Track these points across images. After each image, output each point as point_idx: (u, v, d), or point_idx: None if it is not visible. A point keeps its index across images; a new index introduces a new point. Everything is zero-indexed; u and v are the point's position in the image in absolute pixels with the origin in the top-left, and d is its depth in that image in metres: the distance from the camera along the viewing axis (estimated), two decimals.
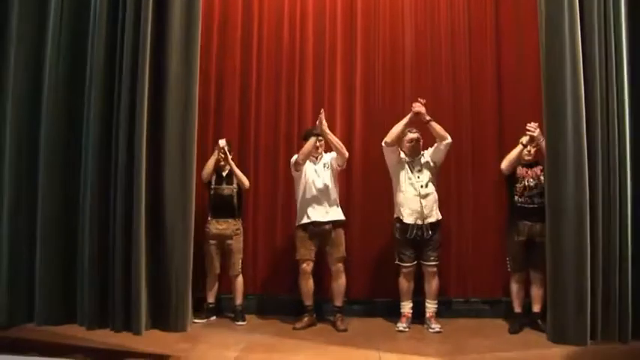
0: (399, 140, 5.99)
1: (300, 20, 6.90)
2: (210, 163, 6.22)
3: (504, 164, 5.90)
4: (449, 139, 5.95)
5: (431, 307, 5.95)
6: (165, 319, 5.47)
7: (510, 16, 6.76)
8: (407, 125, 5.95)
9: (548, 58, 5.40)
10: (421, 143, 6.08)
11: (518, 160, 5.86)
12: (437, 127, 5.93)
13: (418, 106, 5.88)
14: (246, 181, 6.29)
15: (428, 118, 5.90)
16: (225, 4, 6.93)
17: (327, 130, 6.02)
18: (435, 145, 6.00)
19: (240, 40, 6.89)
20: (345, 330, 5.84)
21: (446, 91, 6.71)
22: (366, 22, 6.86)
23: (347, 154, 6.08)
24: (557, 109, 5.30)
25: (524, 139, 5.79)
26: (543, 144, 5.62)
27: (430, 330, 5.82)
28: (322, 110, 6.09)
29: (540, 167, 5.81)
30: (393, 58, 6.82)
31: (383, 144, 5.98)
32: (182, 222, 5.41)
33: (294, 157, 6.07)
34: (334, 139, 6.04)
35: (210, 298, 6.25)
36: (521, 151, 5.82)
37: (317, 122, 6.02)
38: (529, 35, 6.48)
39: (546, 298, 5.59)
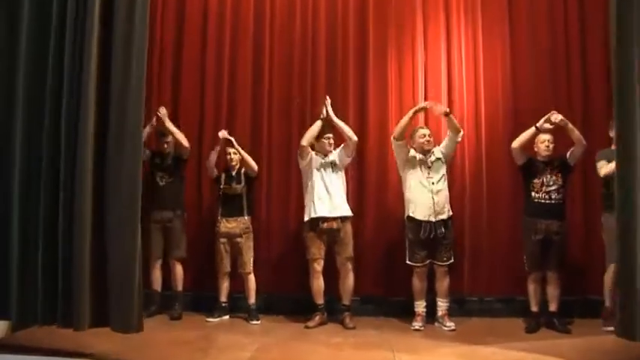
0: (406, 134, 5.98)
1: (312, 9, 6.86)
2: (212, 158, 6.28)
3: (514, 143, 5.85)
4: (462, 132, 5.98)
5: (443, 305, 5.92)
6: (109, 317, 5.32)
7: (524, 10, 6.71)
8: (412, 118, 5.94)
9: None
10: (433, 140, 6.03)
11: (526, 143, 5.81)
12: (454, 120, 5.93)
13: (432, 102, 5.94)
14: (253, 164, 6.24)
15: (447, 109, 5.92)
16: None
17: (334, 115, 6.02)
18: (448, 137, 5.97)
19: (253, 33, 6.86)
20: (354, 328, 5.81)
21: (459, 84, 6.65)
22: (378, 10, 6.82)
23: (356, 139, 6.06)
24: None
25: (542, 124, 5.74)
26: (574, 131, 5.65)
27: (444, 328, 5.79)
28: (327, 97, 6.10)
29: (557, 164, 5.79)
30: (405, 46, 6.78)
31: (392, 139, 5.96)
32: (128, 217, 5.23)
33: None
34: (342, 124, 6.04)
35: (223, 297, 6.22)
36: (534, 134, 5.77)
37: (323, 108, 6.03)
38: (542, 28, 6.53)
39: (560, 297, 5.65)
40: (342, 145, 6.09)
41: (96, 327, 4.75)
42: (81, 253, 4.66)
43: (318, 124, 6.04)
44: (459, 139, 5.96)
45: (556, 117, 5.69)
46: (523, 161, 5.87)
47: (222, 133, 6.27)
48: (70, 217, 4.73)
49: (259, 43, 6.86)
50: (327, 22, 6.84)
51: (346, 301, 6.01)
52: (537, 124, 5.75)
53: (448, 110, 5.93)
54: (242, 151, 6.24)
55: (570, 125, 5.73)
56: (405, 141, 5.98)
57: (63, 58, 4.84)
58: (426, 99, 6.55)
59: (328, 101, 6.07)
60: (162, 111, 6.25)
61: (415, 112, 5.98)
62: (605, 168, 5.54)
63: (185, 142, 6.26)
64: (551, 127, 5.74)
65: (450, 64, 6.72)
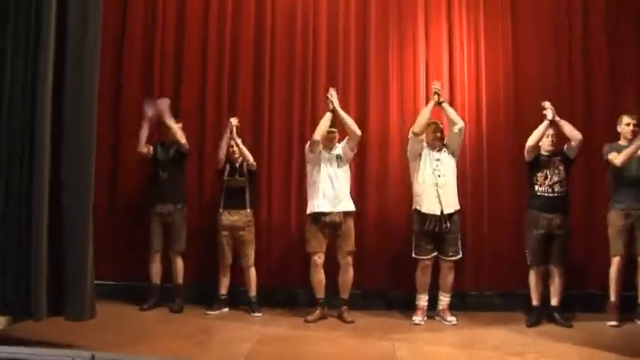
0: (426, 129, 5.95)
1: (314, 4, 6.84)
2: (223, 146, 6.22)
3: (530, 141, 5.80)
4: (461, 124, 5.93)
5: (445, 299, 5.92)
6: (65, 306, 5.28)
7: (527, 5, 6.70)
8: (431, 111, 5.92)
9: None
10: (443, 134, 6.02)
11: (543, 137, 5.79)
12: (450, 110, 5.94)
13: (435, 87, 5.94)
14: (250, 158, 6.22)
15: (442, 99, 5.92)
16: None
17: (339, 108, 6.00)
18: (449, 129, 5.97)
19: (254, 28, 6.85)
20: (352, 322, 5.81)
21: (460, 79, 6.64)
22: (380, 5, 6.80)
23: (360, 133, 6.03)
24: None
25: (551, 115, 5.73)
26: (565, 127, 5.67)
27: (446, 322, 5.79)
28: (332, 88, 6.08)
29: (559, 157, 5.78)
30: (407, 42, 6.76)
31: (411, 134, 5.94)
32: (81, 208, 5.17)
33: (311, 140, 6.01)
34: (347, 117, 6.01)
35: (223, 290, 6.22)
36: (547, 127, 5.75)
37: (327, 99, 6.00)
38: (544, 23, 6.58)
39: (563, 291, 5.67)
40: (346, 138, 6.06)
41: (54, 316, 4.78)
42: (38, 245, 4.68)
43: (328, 116, 5.98)
44: (456, 131, 5.91)
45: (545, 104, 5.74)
46: (532, 157, 5.86)
47: (234, 121, 6.25)
48: (28, 208, 4.74)
49: (260, 38, 6.85)
50: (329, 17, 6.82)
51: (345, 296, 5.99)
52: (549, 117, 5.72)
53: (442, 99, 5.91)
54: (241, 145, 6.22)
55: (562, 121, 5.74)
56: (424, 136, 5.96)
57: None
58: (427, 94, 6.54)
59: (333, 93, 6.03)
60: (164, 102, 6.23)
61: (434, 104, 5.93)
62: (620, 157, 5.63)
63: (183, 139, 6.23)
64: (553, 115, 5.72)
65: (452, 59, 6.71)
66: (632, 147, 5.64)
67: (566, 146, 5.80)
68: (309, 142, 6.01)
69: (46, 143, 4.78)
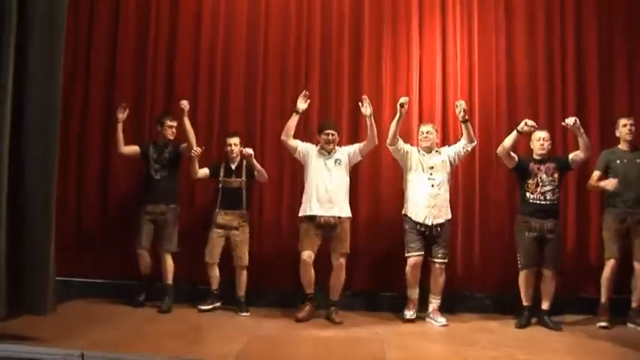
0: (397, 137, 5.94)
1: (308, 4, 6.85)
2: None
3: (499, 149, 5.85)
4: (475, 143, 5.99)
5: (435, 301, 5.93)
6: (24, 301, 5.26)
7: (521, 8, 6.72)
8: (399, 121, 5.87)
9: None
10: (434, 137, 6.04)
11: (512, 148, 5.78)
12: (471, 129, 5.93)
13: (462, 105, 5.88)
14: (266, 176, 6.26)
15: (466, 117, 5.88)
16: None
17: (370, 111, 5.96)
18: (460, 145, 5.98)
19: (246, 28, 6.85)
20: (341, 323, 5.79)
21: (454, 82, 6.65)
22: (374, 5, 6.82)
23: (377, 143, 6.04)
24: None
25: (520, 126, 5.67)
26: (582, 139, 5.66)
27: (436, 323, 5.79)
28: (365, 97, 6.00)
29: (554, 164, 5.78)
30: (400, 45, 6.77)
31: (388, 145, 5.99)
32: (41, 209, 5.14)
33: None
34: (373, 124, 5.97)
35: (214, 285, 6.20)
36: (516, 137, 5.71)
37: (362, 106, 5.96)
38: (538, 26, 6.63)
39: (554, 295, 5.72)
40: (362, 143, 6.08)
41: (15, 311, 4.81)
42: None
43: (293, 117, 6.03)
44: (469, 149, 5.96)
45: (569, 121, 5.64)
46: (513, 164, 5.87)
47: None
48: None
49: (253, 39, 6.85)
50: (322, 18, 6.82)
51: (334, 297, 5.99)
52: (518, 127, 5.69)
53: (466, 117, 5.87)
54: (256, 164, 6.19)
55: (582, 133, 5.70)
56: (398, 145, 5.95)
57: None
58: (420, 96, 6.59)
59: (366, 100, 5.97)
60: (185, 105, 6.13)
61: (400, 116, 5.86)
62: (593, 181, 5.85)
63: (194, 144, 6.15)
64: (529, 129, 5.69)
65: (445, 62, 6.72)
66: (611, 183, 5.67)
67: (573, 155, 5.80)
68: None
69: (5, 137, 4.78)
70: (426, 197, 5.82)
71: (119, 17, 6.91)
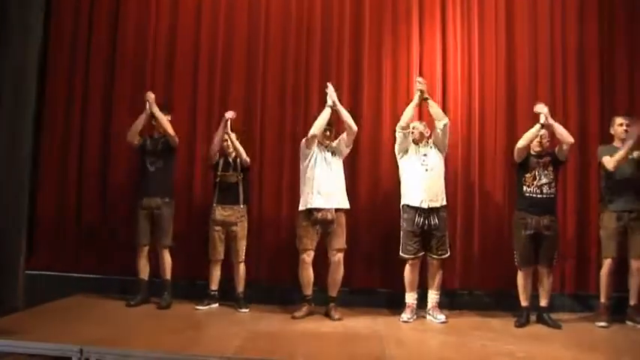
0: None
1: (308, 5, 6.85)
2: (217, 141, 6.19)
3: (520, 143, 5.77)
4: (445, 120, 5.96)
5: (434, 297, 5.93)
6: None
7: (521, 5, 6.72)
8: (417, 106, 5.97)
9: None
10: (426, 133, 6.04)
11: (533, 141, 5.76)
12: (434, 106, 5.96)
13: (419, 84, 5.93)
14: (244, 154, 6.22)
15: (426, 96, 5.93)
16: None
17: (338, 102, 5.99)
18: (436, 127, 5.97)
19: (247, 21, 6.87)
20: (340, 319, 5.79)
21: (454, 78, 6.64)
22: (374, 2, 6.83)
23: (356, 129, 6.03)
24: None
25: (544, 119, 5.67)
26: (558, 129, 5.63)
27: (435, 320, 5.80)
28: (329, 84, 6.05)
29: (549, 158, 5.76)
30: (400, 41, 6.77)
31: (398, 129, 5.96)
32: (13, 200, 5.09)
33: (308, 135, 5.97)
34: (345, 112, 6.00)
35: (213, 285, 6.20)
36: (538, 131, 5.70)
37: (327, 94, 5.97)
38: (540, 24, 6.62)
39: (551, 292, 5.75)
40: (343, 134, 6.07)
41: None
42: None
43: (327, 111, 5.96)
44: (441, 127, 5.92)
45: (538, 108, 5.70)
46: (522, 159, 5.83)
47: (229, 114, 6.20)
48: None
49: (253, 33, 6.85)
50: (323, 13, 6.82)
51: (333, 293, 5.98)
52: (542, 121, 5.68)
53: (426, 96, 5.92)
54: (235, 140, 6.20)
55: (555, 124, 5.69)
56: (411, 129, 5.98)
57: None
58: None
59: (331, 88, 6.01)
60: (150, 96, 6.18)
61: (419, 99, 5.95)
62: (612, 161, 5.67)
63: (170, 130, 6.18)
64: (546, 118, 5.68)
65: (445, 58, 6.71)
66: (623, 150, 5.65)
67: (557, 149, 5.78)
68: (306, 138, 5.97)
69: None
70: (421, 181, 5.83)
71: (119, 11, 6.94)
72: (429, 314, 5.89)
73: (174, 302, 6.12)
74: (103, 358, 4.39)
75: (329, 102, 5.96)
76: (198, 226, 6.39)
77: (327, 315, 5.88)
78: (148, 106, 6.18)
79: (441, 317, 5.80)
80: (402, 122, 5.94)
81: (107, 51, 6.91)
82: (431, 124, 6.07)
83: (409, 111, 5.95)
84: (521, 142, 5.78)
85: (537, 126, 5.71)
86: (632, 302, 5.74)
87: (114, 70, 6.87)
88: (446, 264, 6.01)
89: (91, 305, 6.02)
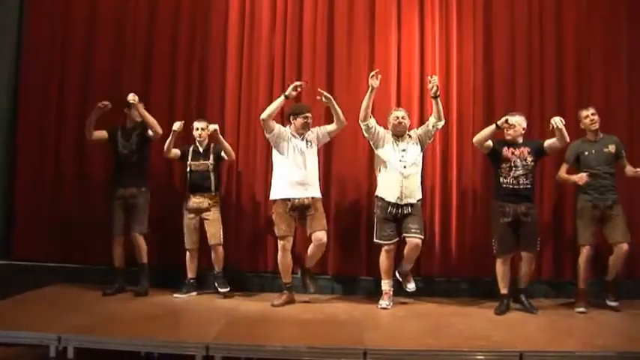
0: (369, 114, 5.92)
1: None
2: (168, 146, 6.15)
3: (475, 139, 5.87)
4: (443, 121, 5.97)
5: (406, 266, 5.96)
6: None
7: (499, 7, 6.79)
8: (371, 96, 5.86)
9: None
10: (407, 122, 6.02)
11: (488, 139, 5.79)
12: (440, 106, 5.91)
13: (434, 80, 5.84)
14: (232, 154, 6.27)
15: (438, 93, 5.86)
16: None
17: (330, 96, 5.95)
18: (430, 123, 5.96)
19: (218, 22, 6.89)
20: (314, 292, 5.93)
21: (431, 70, 6.62)
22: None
23: (346, 122, 6.01)
24: None
25: (501, 122, 5.68)
26: (563, 135, 5.62)
27: (407, 289, 5.92)
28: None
29: (528, 148, 5.77)
30: (378, 34, 6.78)
31: (360, 123, 5.94)
32: None
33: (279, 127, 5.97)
34: (336, 106, 5.95)
35: (191, 274, 6.19)
36: (493, 131, 5.73)
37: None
38: (520, 16, 6.68)
39: (532, 276, 5.88)
40: (331, 125, 6.05)
41: None
42: None
43: (280, 99, 5.91)
44: (438, 126, 5.95)
45: (554, 122, 5.61)
46: (488, 150, 5.86)
47: (178, 125, 6.13)
48: None
49: (223, 20, 6.88)
50: (296, 7, 6.85)
51: (309, 265, 6.02)
52: (498, 122, 5.70)
53: (438, 93, 5.83)
54: (223, 141, 6.20)
55: (564, 130, 5.62)
56: (370, 122, 5.92)
57: None
58: (399, 82, 6.65)
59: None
60: (133, 98, 6.10)
61: (372, 90, 5.86)
62: (562, 173, 5.96)
63: (158, 129, 6.13)
64: (508, 126, 5.70)
65: (423, 50, 6.75)
66: (582, 178, 5.73)
67: (548, 143, 5.79)
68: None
69: None
70: (398, 178, 5.81)
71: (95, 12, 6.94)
72: (400, 278, 5.99)
73: (152, 291, 6.09)
74: (81, 345, 4.36)
75: (323, 99, 5.90)
76: (173, 215, 6.37)
77: (303, 285, 5.96)
78: (132, 109, 6.15)
79: (412, 286, 5.90)
80: (360, 116, 5.90)
81: (83, 45, 6.90)
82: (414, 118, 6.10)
83: (364, 103, 5.88)
84: (475, 139, 5.87)
85: (492, 126, 5.73)
86: (608, 278, 5.88)
87: (90, 66, 6.87)
88: (423, 250, 6.01)
89: (68, 294, 5.97)
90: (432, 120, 5.94)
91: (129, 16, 6.90)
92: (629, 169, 5.86)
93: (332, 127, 6.04)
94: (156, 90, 6.79)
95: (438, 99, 5.86)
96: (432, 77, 5.87)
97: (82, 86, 6.84)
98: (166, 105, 6.77)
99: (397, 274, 5.98)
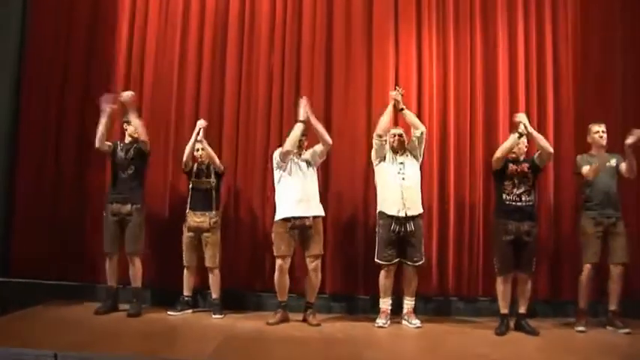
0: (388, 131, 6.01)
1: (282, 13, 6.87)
2: (189, 149, 6.17)
3: (498, 154, 5.75)
4: (422, 128, 6.02)
5: (409, 303, 5.93)
6: None
7: (499, 12, 6.80)
8: (391, 112, 6.02)
9: None
10: (405, 139, 6.04)
11: (511, 150, 5.74)
12: (410, 116, 6.05)
13: (395, 94, 6.03)
14: (217, 161, 6.23)
15: (401, 106, 6.00)
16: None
17: (313, 117, 5.96)
18: (413, 136, 6.01)
19: (214, 29, 6.89)
20: (319, 325, 5.77)
21: (429, 84, 6.67)
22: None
23: (331, 142, 6.01)
24: None
25: (521, 128, 5.67)
26: (538, 138, 5.65)
27: (410, 325, 5.79)
28: (304, 97, 6.06)
29: (527, 164, 5.75)
30: (376, 49, 6.79)
31: (375, 136, 5.98)
32: None
33: (280, 149, 5.93)
34: (319, 125, 5.98)
35: (187, 291, 6.16)
36: (516, 141, 5.68)
37: (300, 108, 5.93)
38: (517, 30, 6.73)
39: (531, 299, 5.76)
40: (317, 146, 6.04)
41: None
42: None
43: (300, 126, 5.90)
44: (418, 135, 5.97)
45: (519, 118, 5.72)
46: (500, 166, 5.80)
47: (203, 122, 6.21)
48: None
49: (221, 37, 6.87)
50: (294, 23, 6.85)
51: (311, 299, 5.97)
52: (519, 130, 5.67)
53: (402, 106, 6.00)
54: (207, 147, 6.19)
55: (535, 133, 5.70)
56: (387, 138, 6.00)
57: None
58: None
59: (306, 102, 5.98)
60: (127, 96, 6.09)
61: (393, 107, 6.03)
62: (591, 171, 5.70)
63: (143, 136, 6.10)
64: (527, 133, 5.69)
65: (421, 64, 6.75)
66: (594, 166, 5.70)
67: (536, 156, 5.78)
68: (279, 151, 5.93)
69: None
70: (399, 190, 5.84)
71: (97, 12, 6.98)
72: (405, 319, 5.88)
73: (147, 309, 6.06)
74: None
75: (301, 116, 5.92)
76: (171, 232, 6.33)
77: (305, 320, 5.86)
78: (109, 108, 6.03)
79: (416, 322, 5.80)
80: (379, 130, 5.98)
81: (85, 48, 6.90)
82: (408, 131, 6.10)
83: (385, 118, 6.00)
84: (498, 153, 5.76)
85: (515, 135, 5.70)
86: (612, 307, 5.78)
87: (89, 69, 6.87)
88: (422, 271, 6.01)
89: (63, 312, 5.93)
90: (412, 131, 6.03)
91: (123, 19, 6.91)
92: (627, 146, 5.67)
93: (319, 147, 6.04)
94: (153, 101, 6.80)
95: (404, 111, 6.02)
96: (394, 91, 6.07)
97: (85, 86, 6.83)
98: (162, 117, 6.78)
99: (403, 320, 5.92)
